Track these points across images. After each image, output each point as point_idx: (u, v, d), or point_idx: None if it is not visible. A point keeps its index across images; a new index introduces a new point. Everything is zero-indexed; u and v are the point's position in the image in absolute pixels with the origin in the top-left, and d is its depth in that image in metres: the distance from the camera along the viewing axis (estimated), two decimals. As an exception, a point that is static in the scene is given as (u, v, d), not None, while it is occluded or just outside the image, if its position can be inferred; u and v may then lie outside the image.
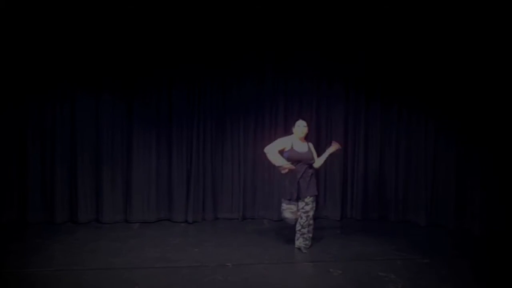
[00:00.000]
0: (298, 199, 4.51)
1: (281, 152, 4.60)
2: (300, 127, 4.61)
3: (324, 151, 4.78)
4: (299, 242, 4.61)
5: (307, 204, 4.51)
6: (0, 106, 5.32)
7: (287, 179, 4.52)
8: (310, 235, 4.62)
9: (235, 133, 5.93)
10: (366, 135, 6.12)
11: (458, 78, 5.59)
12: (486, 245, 5.03)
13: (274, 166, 4.74)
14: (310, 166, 4.60)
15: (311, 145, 4.73)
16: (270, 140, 5.90)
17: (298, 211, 4.53)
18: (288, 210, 4.52)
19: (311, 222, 4.59)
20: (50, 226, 5.40)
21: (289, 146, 4.58)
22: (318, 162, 4.68)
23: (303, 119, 4.73)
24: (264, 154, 4.65)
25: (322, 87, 6.04)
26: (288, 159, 4.51)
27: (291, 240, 5.05)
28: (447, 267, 4.29)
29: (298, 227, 4.58)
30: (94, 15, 5.30)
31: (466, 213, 5.59)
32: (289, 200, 4.52)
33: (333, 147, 4.77)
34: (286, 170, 4.46)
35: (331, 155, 4.78)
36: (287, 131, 6.00)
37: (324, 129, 6.11)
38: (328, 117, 6.11)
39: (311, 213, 4.55)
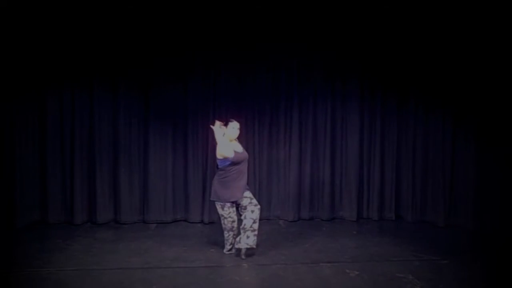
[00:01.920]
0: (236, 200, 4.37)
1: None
2: (235, 129, 4.40)
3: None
4: (252, 240, 4.36)
5: (252, 198, 4.41)
6: (20, 109, 5.45)
7: (228, 182, 4.33)
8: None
9: (250, 132, 5.93)
10: (382, 133, 6.06)
11: (478, 74, 5.46)
12: (507, 247, 4.91)
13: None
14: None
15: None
16: (285, 139, 5.93)
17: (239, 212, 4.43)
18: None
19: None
20: (70, 226, 5.52)
21: None
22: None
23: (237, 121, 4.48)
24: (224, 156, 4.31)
25: (337, 83, 5.99)
26: (234, 163, 4.30)
27: (307, 240, 5.05)
28: (466, 268, 4.22)
29: (250, 222, 4.33)
30: (110, 6, 5.33)
31: (486, 214, 5.47)
32: (232, 202, 4.36)
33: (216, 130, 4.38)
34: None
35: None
36: (302, 128, 5.98)
37: (339, 127, 6.05)
38: (343, 115, 6.05)
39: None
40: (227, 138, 4.38)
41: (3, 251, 4.62)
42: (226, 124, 4.44)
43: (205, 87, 5.78)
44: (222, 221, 4.49)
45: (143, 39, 5.58)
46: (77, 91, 5.60)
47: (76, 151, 5.61)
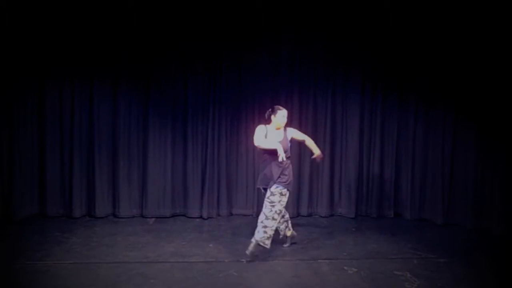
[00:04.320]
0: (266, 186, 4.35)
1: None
2: (285, 117, 4.38)
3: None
4: (259, 235, 4.23)
5: (272, 194, 4.25)
6: (19, 101, 5.42)
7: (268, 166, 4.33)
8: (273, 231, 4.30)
9: (250, 126, 5.91)
10: (382, 130, 6.03)
11: (479, 70, 5.42)
12: (505, 245, 4.92)
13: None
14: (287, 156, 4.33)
15: (291, 131, 4.50)
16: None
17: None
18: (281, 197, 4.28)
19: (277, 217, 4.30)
20: (68, 220, 5.52)
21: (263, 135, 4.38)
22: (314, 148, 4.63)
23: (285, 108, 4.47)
24: (256, 147, 4.47)
25: (338, 77, 5.96)
26: (266, 151, 4.34)
27: (305, 237, 5.04)
28: (464, 267, 4.23)
29: (261, 217, 4.28)
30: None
31: (485, 212, 5.46)
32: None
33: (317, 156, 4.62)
34: (280, 158, 4.16)
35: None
36: (302, 123, 5.96)
37: (340, 123, 6.03)
38: (343, 111, 6.03)
39: (277, 207, 4.25)
40: (273, 126, 4.38)
41: (1, 244, 4.62)
42: (273, 112, 4.37)
43: (205, 82, 5.75)
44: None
45: (144, 33, 5.54)
46: (77, 84, 5.57)
47: (75, 144, 5.60)
